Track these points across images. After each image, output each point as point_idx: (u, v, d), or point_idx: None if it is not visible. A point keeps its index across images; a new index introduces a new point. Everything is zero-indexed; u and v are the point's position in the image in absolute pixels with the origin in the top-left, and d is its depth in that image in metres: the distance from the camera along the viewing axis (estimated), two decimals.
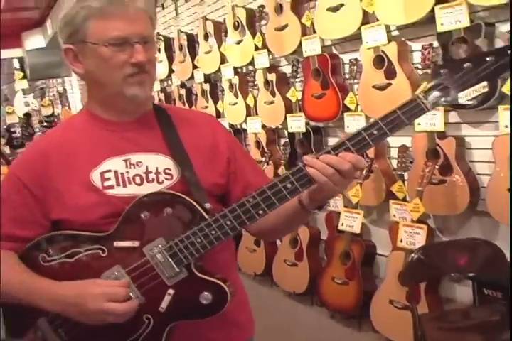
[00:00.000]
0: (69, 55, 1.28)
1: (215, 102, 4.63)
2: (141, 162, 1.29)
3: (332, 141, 3.66)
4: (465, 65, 1.03)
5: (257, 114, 4.09)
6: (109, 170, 1.27)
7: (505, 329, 2.27)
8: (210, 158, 1.35)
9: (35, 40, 7.44)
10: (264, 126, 4.09)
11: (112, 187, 1.26)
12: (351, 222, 3.18)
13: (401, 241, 2.79)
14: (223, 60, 4.39)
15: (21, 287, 1.22)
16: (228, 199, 1.37)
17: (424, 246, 2.56)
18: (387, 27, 2.92)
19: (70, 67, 1.30)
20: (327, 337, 3.20)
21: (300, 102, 3.63)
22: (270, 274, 3.95)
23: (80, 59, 1.27)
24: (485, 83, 1.02)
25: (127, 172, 1.28)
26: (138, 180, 1.28)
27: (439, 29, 2.59)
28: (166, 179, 1.29)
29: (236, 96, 4.30)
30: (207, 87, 4.70)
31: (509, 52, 1.01)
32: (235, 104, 4.31)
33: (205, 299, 1.18)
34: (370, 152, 3.15)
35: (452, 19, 2.52)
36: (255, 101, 4.11)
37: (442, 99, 1.05)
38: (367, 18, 2.98)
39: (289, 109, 3.76)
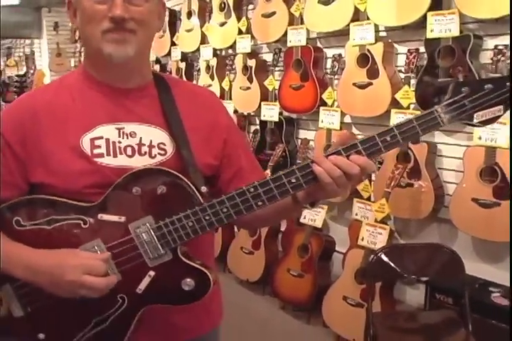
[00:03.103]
0: (70, 9, 1.20)
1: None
2: (134, 133, 1.21)
3: (303, 134, 3.66)
4: (486, 86, 1.03)
5: (230, 98, 4.05)
6: (101, 137, 1.19)
7: (452, 333, 2.35)
8: (207, 138, 1.28)
9: None
10: (235, 111, 4.05)
11: (101, 155, 1.18)
12: (314, 215, 3.19)
13: (362, 239, 2.82)
14: (204, 40, 4.32)
15: None
16: (216, 182, 1.32)
17: (388, 246, 2.59)
18: (376, 26, 2.93)
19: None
20: (276, 327, 3.22)
21: (277, 91, 3.61)
22: (224, 260, 3.94)
23: (77, 13, 1.19)
24: (501, 107, 1.02)
25: (119, 142, 1.20)
26: (129, 151, 1.20)
27: (428, 35, 2.62)
28: (159, 154, 1.22)
29: (212, 78, 4.24)
30: (183, 65, 4.62)
31: None
32: (209, 86, 4.24)
33: (187, 285, 1.14)
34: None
35: (443, 27, 2.55)
36: (230, 85, 4.07)
37: (459, 117, 1.05)
38: (357, 15, 2.98)
39: (265, 96, 3.74)
